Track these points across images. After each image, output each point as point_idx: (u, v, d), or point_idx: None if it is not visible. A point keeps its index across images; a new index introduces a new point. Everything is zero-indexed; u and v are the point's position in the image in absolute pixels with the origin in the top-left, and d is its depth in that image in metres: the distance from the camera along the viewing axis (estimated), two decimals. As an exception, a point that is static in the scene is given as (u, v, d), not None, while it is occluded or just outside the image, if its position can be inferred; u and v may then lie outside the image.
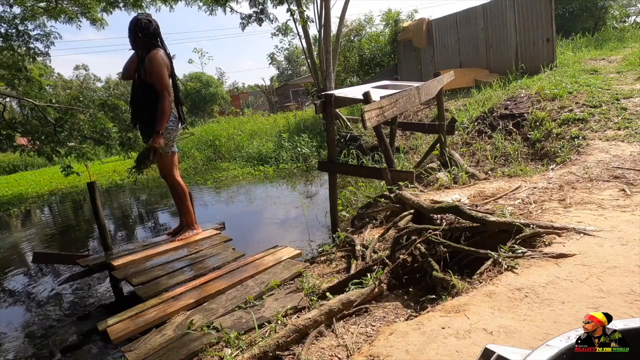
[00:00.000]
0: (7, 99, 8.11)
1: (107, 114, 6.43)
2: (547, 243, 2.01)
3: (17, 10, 6.32)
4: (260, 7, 6.94)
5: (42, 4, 6.42)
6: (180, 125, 3.46)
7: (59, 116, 5.97)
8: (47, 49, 6.82)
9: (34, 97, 5.96)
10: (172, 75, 3.30)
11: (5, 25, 6.19)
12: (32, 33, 6.50)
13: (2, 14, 6.19)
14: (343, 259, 2.83)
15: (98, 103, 6.52)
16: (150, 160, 3.16)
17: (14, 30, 6.26)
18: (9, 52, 6.12)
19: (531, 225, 2.13)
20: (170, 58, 3.30)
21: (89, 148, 6.14)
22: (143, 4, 6.49)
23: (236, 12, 7.08)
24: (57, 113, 6.01)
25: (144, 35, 3.17)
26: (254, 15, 6.96)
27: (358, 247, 2.73)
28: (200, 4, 7.61)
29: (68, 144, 6.04)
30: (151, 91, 3.15)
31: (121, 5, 6.50)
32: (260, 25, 7.18)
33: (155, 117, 3.12)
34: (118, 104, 6.45)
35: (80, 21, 6.77)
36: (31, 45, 6.43)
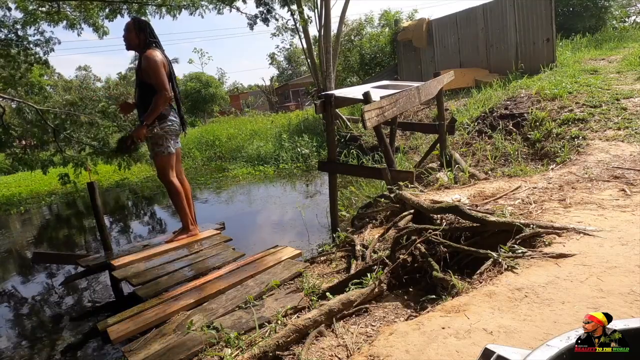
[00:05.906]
0: (7, 101, 8.04)
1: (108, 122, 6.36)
2: (547, 243, 2.01)
3: (18, 15, 6.25)
4: (266, 7, 6.97)
5: (43, 9, 6.35)
6: (181, 129, 3.44)
7: (58, 123, 5.93)
8: (46, 56, 6.74)
9: (34, 102, 5.93)
10: (171, 76, 3.29)
11: (5, 30, 6.12)
12: (31, 39, 6.42)
13: (2, 19, 6.13)
14: (343, 259, 2.83)
15: (98, 110, 6.46)
16: (127, 147, 3.26)
17: (13, 36, 6.20)
18: (5, 60, 6.03)
19: (531, 225, 2.13)
20: (168, 59, 3.29)
21: (85, 158, 6.08)
22: (147, 10, 6.40)
23: (242, 12, 7.11)
24: (56, 120, 5.96)
25: (144, 34, 3.19)
26: (260, 15, 6.98)
27: (358, 247, 2.73)
28: (206, 3, 7.53)
29: (66, 152, 5.99)
30: (149, 91, 3.14)
31: (125, 13, 6.43)
32: (267, 25, 7.21)
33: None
34: (119, 115, 6.38)
35: (82, 28, 6.72)
36: (30, 52, 6.35)
